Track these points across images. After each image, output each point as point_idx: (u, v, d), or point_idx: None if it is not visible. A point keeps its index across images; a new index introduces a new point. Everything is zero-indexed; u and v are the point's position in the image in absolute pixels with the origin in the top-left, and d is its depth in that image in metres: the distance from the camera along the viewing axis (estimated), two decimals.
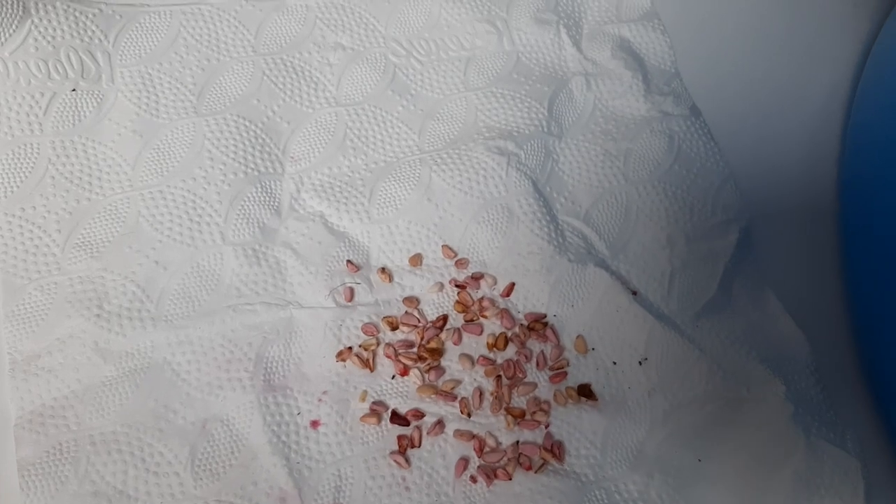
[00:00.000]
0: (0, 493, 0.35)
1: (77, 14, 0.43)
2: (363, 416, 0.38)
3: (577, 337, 0.41)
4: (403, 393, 0.39)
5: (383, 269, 0.41)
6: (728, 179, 0.46)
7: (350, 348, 0.39)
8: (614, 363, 0.41)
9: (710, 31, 0.51)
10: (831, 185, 0.47)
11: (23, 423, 0.36)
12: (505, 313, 0.41)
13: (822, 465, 0.39)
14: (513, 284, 0.42)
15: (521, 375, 0.40)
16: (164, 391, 0.37)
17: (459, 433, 0.38)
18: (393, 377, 0.39)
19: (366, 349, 0.39)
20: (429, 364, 0.40)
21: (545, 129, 0.45)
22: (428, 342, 0.40)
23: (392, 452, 0.37)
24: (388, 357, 0.39)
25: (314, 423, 0.38)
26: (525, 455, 0.38)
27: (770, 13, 0.51)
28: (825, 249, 0.45)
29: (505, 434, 0.39)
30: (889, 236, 0.41)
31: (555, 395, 0.40)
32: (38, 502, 0.34)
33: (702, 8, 0.51)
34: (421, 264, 0.42)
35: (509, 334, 0.41)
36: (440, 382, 0.39)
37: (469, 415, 0.39)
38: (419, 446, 0.38)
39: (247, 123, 0.43)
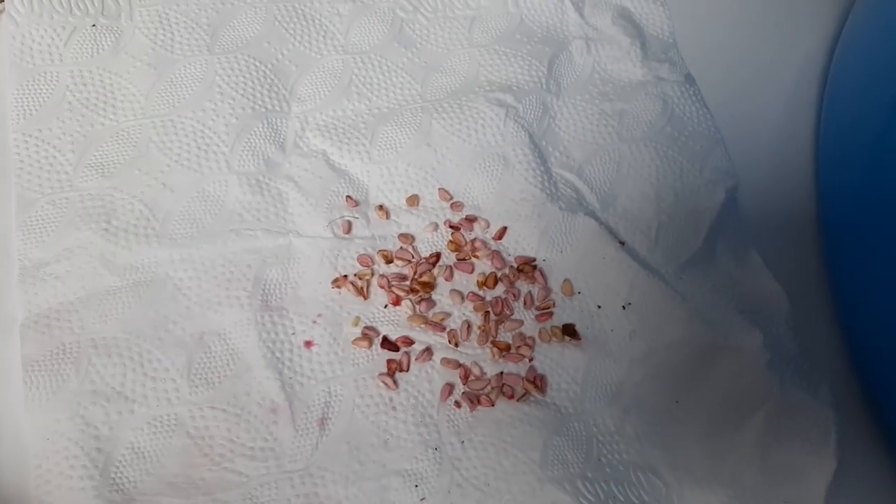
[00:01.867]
0: (5, 390, 0.37)
1: None
2: (355, 340, 0.39)
3: (564, 281, 0.42)
4: (394, 321, 0.40)
5: (381, 207, 0.43)
6: (718, 143, 0.47)
7: (346, 276, 0.41)
8: (599, 307, 0.42)
9: (707, 6, 0.53)
10: (810, 152, 0.49)
11: (29, 323, 0.37)
12: (496, 255, 0.43)
13: (794, 412, 0.40)
14: (505, 228, 0.43)
15: (508, 312, 0.41)
16: (164, 303, 0.39)
17: (446, 361, 0.40)
18: (385, 306, 0.41)
19: (360, 278, 0.41)
20: (420, 296, 0.41)
21: (544, 87, 0.47)
22: (420, 276, 0.41)
23: (381, 374, 0.39)
24: (382, 287, 0.41)
25: (307, 343, 0.39)
26: (508, 385, 0.39)
27: None
28: (804, 212, 0.47)
29: (490, 365, 0.40)
30: (861, 200, 0.43)
31: (540, 333, 0.41)
32: (40, 396, 0.36)
33: None
34: (417, 205, 0.43)
35: (499, 274, 0.42)
36: (430, 314, 0.41)
37: (456, 345, 0.40)
38: (407, 371, 0.39)
39: (257, 64, 0.45)
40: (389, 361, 0.39)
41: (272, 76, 0.45)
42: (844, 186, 0.44)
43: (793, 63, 0.52)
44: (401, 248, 0.42)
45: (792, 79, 0.51)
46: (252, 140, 0.43)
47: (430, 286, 0.41)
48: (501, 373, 0.40)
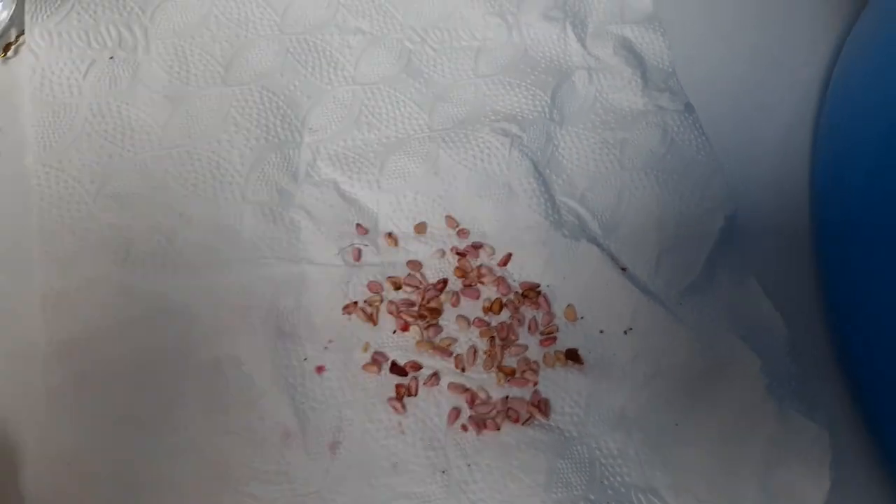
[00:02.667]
0: (28, 417, 0.38)
1: None
2: (365, 365, 0.41)
3: (568, 306, 0.44)
4: (403, 346, 0.42)
5: (390, 235, 0.44)
6: (717, 171, 0.48)
7: (356, 303, 0.42)
8: (601, 331, 0.43)
9: (706, 36, 0.54)
10: (807, 180, 0.50)
11: (51, 351, 0.39)
12: (501, 281, 0.44)
13: (792, 434, 0.41)
14: (510, 255, 0.45)
15: (513, 337, 0.43)
16: (182, 331, 0.40)
17: (453, 386, 0.41)
18: (394, 332, 0.42)
19: (370, 304, 0.42)
20: (428, 322, 0.42)
21: (548, 116, 0.49)
22: (428, 302, 0.43)
23: (390, 399, 0.40)
24: (391, 313, 0.42)
25: (319, 369, 0.40)
26: (513, 409, 0.41)
27: (764, 12, 0.55)
28: (801, 238, 0.48)
29: (495, 389, 0.41)
30: (857, 227, 0.44)
31: (544, 357, 0.42)
32: (62, 423, 0.37)
33: (701, 13, 0.54)
34: (425, 232, 0.45)
35: (504, 300, 0.44)
36: (437, 339, 0.42)
37: (463, 370, 0.41)
38: (415, 395, 0.41)
39: (270, 95, 0.47)
40: (398, 386, 0.41)
41: (285, 107, 0.47)
42: (840, 213, 0.45)
43: (789, 92, 0.53)
44: (409, 274, 0.44)
45: (789, 107, 0.52)
46: (266, 170, 0.44)
47: (437, 312, 0.43)
48: (507, 397, 0.41)
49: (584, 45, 0.51)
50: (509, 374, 0.42)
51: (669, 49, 0.52)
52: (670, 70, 0.52)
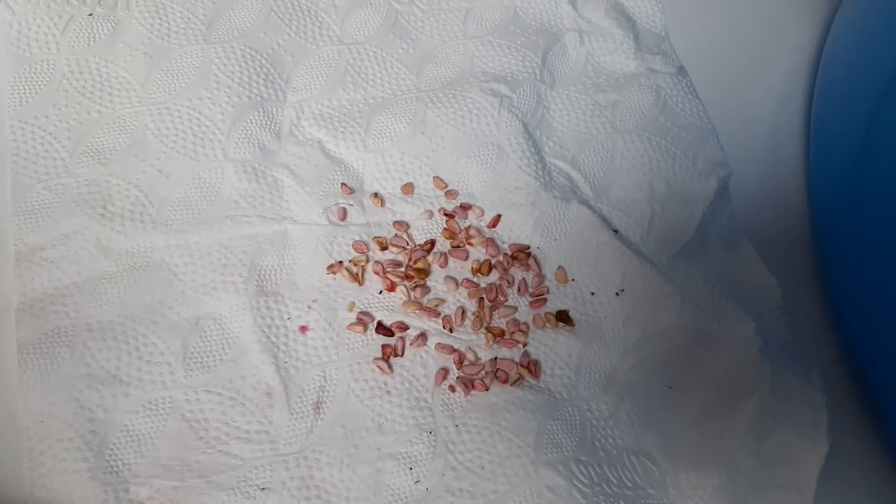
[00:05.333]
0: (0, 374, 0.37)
1: None
2: (350, 325, 0.40)
3: (558, 268, 0.43)
4: (389, 307, 0.41)
5: (376, 195, 0.43)
6: (710, 134, 0.48)
7: (341, 262, 0.41)
8: (592, 293, 0.42)
9: (700, 1, 0.53)
10: (801, 142, 0.49)
11: (24, 307, 0.37)
12: (490, 242, 0.43)
13: (787, 397, 0.40)
14: (499, 216, 0.43)
15: (502, 299, 0.42)
16: (160, 288, 0.39)
17: (441, 346, 0.40)
18: (380, 292, 0.41)
19: (355, 264, 0.41)
20: (415, 282, 0.41)
21: (538, 78, 0.48)
22: (415, 263, 0.42)
23: (375, 359, 0.39)
24: (377, 274, 0.41)
25: (303, 328, 0.39)
26: (502, 370, 0.40)
27: None
28: (795, 201, 0.47)
29: (484, 350, 0.40)
30: (850, 188, 0.43)
31: (534, 319, 0.41)
32: (35, 380, 0.36)
33: None
34: (412, 193, 0.44)
35: (493, 261, 0.42)
36: (425, 300, 0.41)
37: (451, 330, 0.40)
38: (402, 355, 0.39)
39: (252, 53, 0.45)
40: (384, 346, 0.39)
41: (268, 65, 0.45)
42: (834, 175, 0.45)
43: (783, 54, 0.52)
44: (395, 235, 0.43)
45: (783, 70, 0.52)
46: (248, 128, 0.43)
47: (424, 273, 0.42)
48: (496, 358, 0.40)
49: (575, 8, 0.50)
50: (498, 335, 0.40)
51: (662, 12, 0.51)
52: (663, 34, 0.51)
